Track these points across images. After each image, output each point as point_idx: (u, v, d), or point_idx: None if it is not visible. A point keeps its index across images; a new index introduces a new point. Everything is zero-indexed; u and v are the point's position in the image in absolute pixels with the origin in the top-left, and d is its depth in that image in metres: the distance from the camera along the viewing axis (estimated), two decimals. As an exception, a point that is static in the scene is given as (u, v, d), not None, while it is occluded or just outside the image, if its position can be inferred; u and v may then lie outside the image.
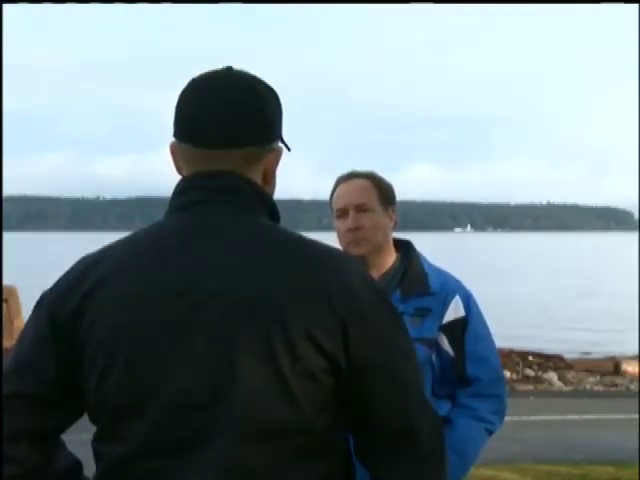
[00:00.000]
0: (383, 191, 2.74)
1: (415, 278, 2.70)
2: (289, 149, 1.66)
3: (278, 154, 1.63)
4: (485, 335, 2.73)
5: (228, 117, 1.55)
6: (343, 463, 1.53)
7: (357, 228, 2.68)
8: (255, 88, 1.59)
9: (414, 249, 2.80)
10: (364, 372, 1.48)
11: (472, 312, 2.70)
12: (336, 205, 2.74)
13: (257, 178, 1.59)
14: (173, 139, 1.61)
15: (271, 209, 1.60)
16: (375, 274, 2.67)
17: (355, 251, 2.67)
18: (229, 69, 1.61)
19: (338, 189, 2.75)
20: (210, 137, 1.55)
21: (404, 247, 2.81)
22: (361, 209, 2.69)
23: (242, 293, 1.46)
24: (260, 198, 1.58)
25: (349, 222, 2.69)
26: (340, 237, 2.73)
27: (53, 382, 1.53)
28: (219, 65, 1.62)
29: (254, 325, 1.44)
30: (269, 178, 1.62)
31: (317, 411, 1.46)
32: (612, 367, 15.23)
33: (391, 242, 2.78)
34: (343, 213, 2.71)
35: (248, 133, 1.56)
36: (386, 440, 1.51)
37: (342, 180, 2.76)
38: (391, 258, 2.76)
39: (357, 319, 1.47)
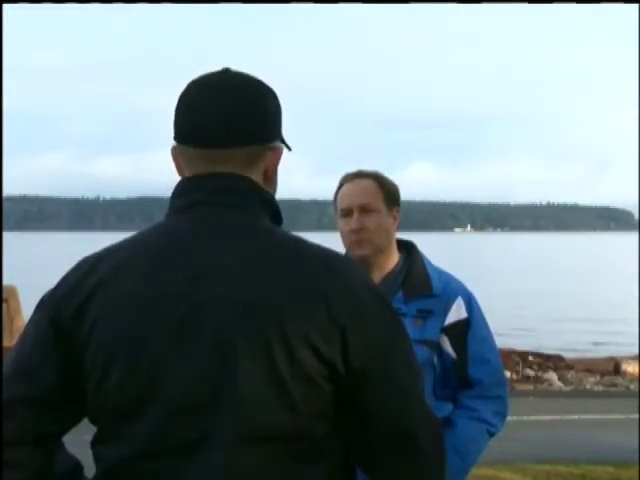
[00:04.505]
0: (388, 192, 2.72)
1: (418, 279, 2.70)
2: (289, 148, 1.66)
3: (279, 152, 1.62)
4: (487, 337, 2.73)
5: (228, 117, 1.55)
6: (342, 468, 1.52)
7: (361, 229, 2.67)
8: (253, 87, 1.59)
9: (417, 250, 2.79)
10: (363, 377, 1.47)
11: (474, 314, 2.69)
12: (340, 205, 2.73)
13: (258, 177, 1.59)
14: (174, 142, 1.61)
15: (273, 211, 1.59)
16: (378, 275, 2.67)
17: (358, 252, 2.66)
18: (226, 70, 1.61)
19: (343, 188, 2.74)
20: (211, 138, 1.55)
21: (407, 248, 2.80)
22: (365, 210, 2.68)
23: (242, 295, 1.45)
24: (261, 200, 1.58)
25: (353, 223, 2.67)
26: (343, 237, 2.72)
27: (54, 386, 1.52)
28: (219, 65, 1.63)
29: (253, 327, 1.44)
30: (270, 177, 1.62)
31: (316, 415, 1.46)
32: (612, 367, 15.23)
33: (394, 243, 2.77)
34: (347, 213, 2.70)
35: (248, 132, 1.56)
36: (385, 445, 1.50)
37: (347, 179, 2.74)
38: (394, 259, 2.75)
39: (357, 325, 1.47)
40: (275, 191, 1.64)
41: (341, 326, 1.45)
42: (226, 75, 1.60)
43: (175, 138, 1.60)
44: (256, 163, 1.58)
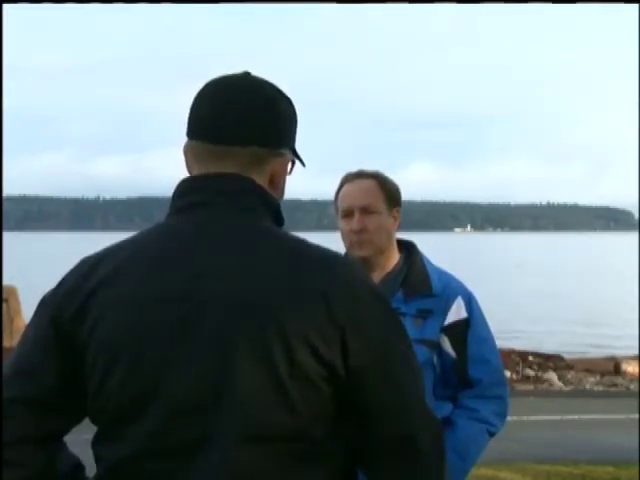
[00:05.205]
0: (389, 192, 2.72)
1: (417, 279, 2.70)
2: (303, 164, 1.66)
3: (287, 161, 1.62)
4: (487, 337, 2.73)
5: (235, 115, 1.56)
6: (343, 470, 1.52)
7: (362, 230, 2.67)
8: (267, 92, 1.60)
9: (417, 250, 2.80)
10: (363, 378, 1.47)
11: (474, 314, 2.69)
12: (341, 205, 2.73)
13: (263, 180, 1.59)
14: (186, 139, 1.62)
15: (275, 212, 1.59)
16: (378, 275, 2.67)
17: (359, 253, 2.67)
18: (247, 73, 1.62)
19: (344, 188, 2.74)
20: (215, 133, 1.56)
21: (407, 248, 2.80)
22: (366, 211, 2.68)
23: (242, 295, 1.45)
24: (263, 201, 1.57)
25: (354, 224, 2.67)
26: (344, 237, 2.73)
27: (54, 386, 1.52)
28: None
29: (253, 327, 1.44)
30: (276, 184, 1.61)
31: (316, 416, 1.46)
32: (612, 367, 15.23)
33: (394, 243, 2.77)
34: (348, 214, 2.70)
35: (254, 132, 1.56)
36: (385, 445, 1.50)
37: (348, 179, 2.74)
38: (394, 259, 2.75)
39: (356, 326, 1.47)
40: (281, 199, 1.63)
41: (341, 326, 1.45)
42: (245, 78, 1.61)
43: (187, 134, 1.61)
44: (260, 166, 1.58)
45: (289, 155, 1.63)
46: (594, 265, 70.28)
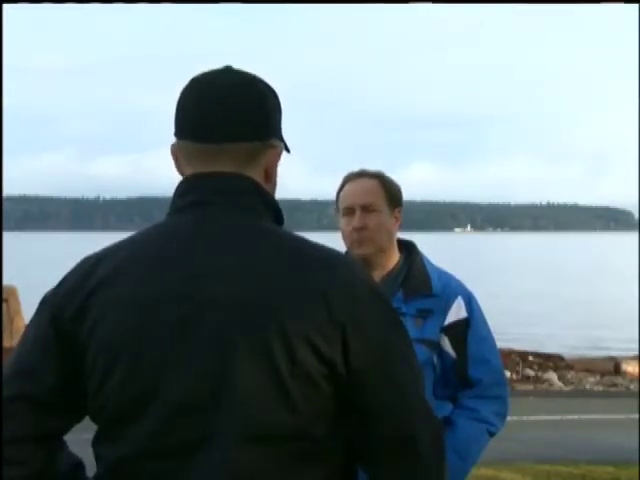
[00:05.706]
0: (390, 192, 2.73)
1: (418, 279, 2.70)
2: (288, 151, 1.66)
3: (278, 151, 1.62)
4: (487, 337, 2.73)
5: (227, 112, 1.55)
6: (344, 469, 1.52)
7: (362, 228, 2.67)
8: (253, 85, 1.60)
9: (417, 250, 2.80)
10: (363, 377, 1.47)
11: (474, 313, 2.70)
12: (343, 204, 2.73)
13: (259, 175, 1.59)
14: (174, 140, 1.61)
15: (275, 211, 1.59)
16: (378, 274, 2.68)
17: (359, 251, 2.67)
18: (228, 68, 1.62)
19: (346, 187, 2.75)
20: (208, 131, 1.55)
21: (408, 248, 2.81)
22: (367, 209, 2.68)
23: (241, 295, 1.45)
24: (262, 200, 1.57)
25: (355, 222, 2.68)
26: (345, 236, 2.73)
27: (54, 386, 1.52)
28: (218, 65, 1.63)
29: (254, 326, 1.44)
30: (270, 175, 1.61)
31: (316, 415, 1.46)
32: (612, 367, 15.24)
33: (395, 243, 2.78)
34: (349, 212, 2.71)
35: (247, 127, 1.56)
36: (385, 445, 1.50)
37: (350, 178, 2.75)
38: (394, 259, 2.76)
39: (357, 326, 1.47)
40: (274, 191, 1.64)
41: (341, 326, 1.45)
42: (227, 72, 1.60)
43: (176, 134, 1.61)
44: (257, 160, 1.58)
45: (280, 145, 1.63)
46: (594, 265, 70.28)
